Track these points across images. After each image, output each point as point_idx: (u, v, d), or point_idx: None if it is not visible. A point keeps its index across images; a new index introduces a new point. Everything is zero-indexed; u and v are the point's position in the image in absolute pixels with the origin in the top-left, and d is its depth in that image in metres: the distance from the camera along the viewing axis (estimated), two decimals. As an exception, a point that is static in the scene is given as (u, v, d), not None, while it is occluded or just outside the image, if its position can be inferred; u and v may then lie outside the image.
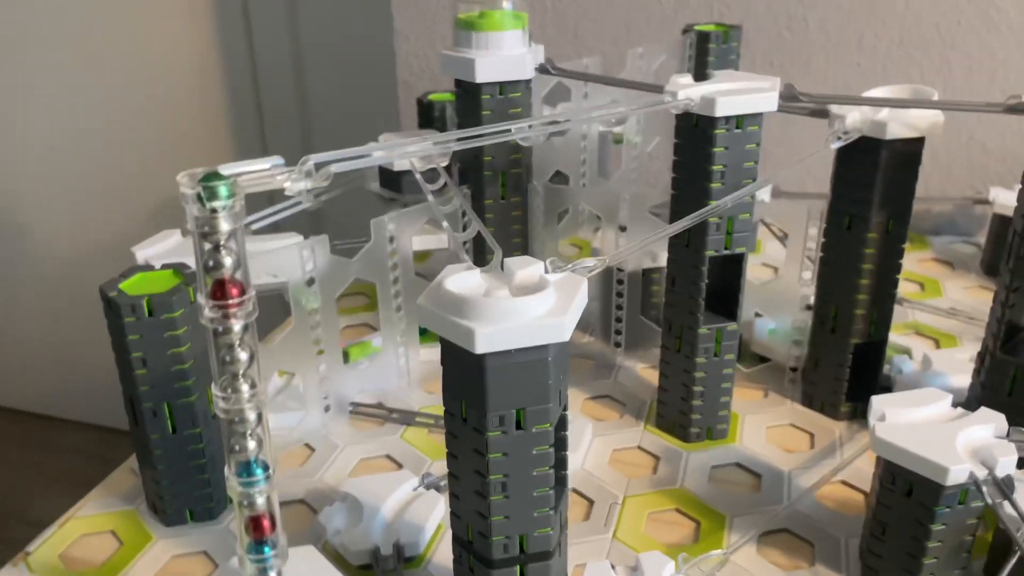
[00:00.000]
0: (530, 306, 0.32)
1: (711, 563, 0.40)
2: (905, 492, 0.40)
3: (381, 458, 0.55)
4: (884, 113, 0.49)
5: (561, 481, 0.36)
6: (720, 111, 0.46)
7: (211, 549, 0.48)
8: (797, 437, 0.56)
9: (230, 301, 0.31)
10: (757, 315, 0.62)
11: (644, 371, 0.63)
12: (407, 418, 0.58)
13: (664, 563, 0.39)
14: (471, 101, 0.56)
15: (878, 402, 0.43)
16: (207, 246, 0.30)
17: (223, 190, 0.29)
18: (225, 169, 0.30)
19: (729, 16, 0.82)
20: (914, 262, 0.79)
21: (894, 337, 0.57)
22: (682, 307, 0.52)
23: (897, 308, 0.57)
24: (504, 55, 0.55)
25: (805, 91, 0.49)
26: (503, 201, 0.59)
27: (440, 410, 0.60)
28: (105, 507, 0.51)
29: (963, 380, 0.54)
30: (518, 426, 0.34)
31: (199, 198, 0.29)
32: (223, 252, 0.30)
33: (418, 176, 0.53)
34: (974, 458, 0.39)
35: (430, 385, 0.63)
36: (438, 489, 0.50)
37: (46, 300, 1.59)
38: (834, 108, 0.50)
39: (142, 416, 0.46)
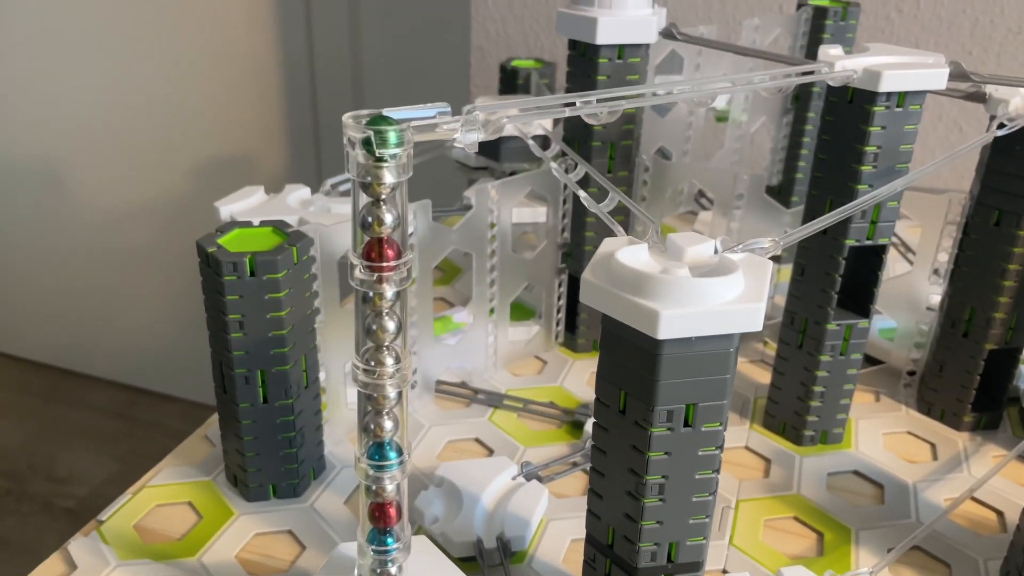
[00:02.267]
0: (720, 289, 0.28)
1: (857, 582, 0.36)
2: (1080, 519, 0.37)
3: (470, 441, 0.52)
4: (1055, 100, 0.44)
5: (716, 485, 0.32)
6: (884, 86, 0.41)
7: (296, 529, 0.44)
8: (917, 446, 0.52)
9: (385, 264, 0.27)
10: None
11: (742, 365, 0.60)
12: (494, 400, 0.55)
13: (810, 580, 0.36)
14: (586, 65, 0.52)
15: (1048, 417, 0.39)
16: (366, 199, 0.27)
17: (393, 137, 0.26)
18: (393, 113, 0.26)
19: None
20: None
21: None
22: (810, 300, 0.48)
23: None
24: (628, 15, 0.51)
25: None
26: (609, 175, 0.55)
27: (528, 394, 0.57)
28: (179, 476, 0.48)
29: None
30: (686, 423, 0.30)
31: (367, 144, 0.25)
32: (384, 208, 0.27)
33: (530, 142, 0.49)
34: None
35: (516, 367, 0.59)
36: (540, 479, 0.46)
37: (77, 255, 1.57)
38: (995, 92, 0.46)
39: (232, 383, 0.43)
